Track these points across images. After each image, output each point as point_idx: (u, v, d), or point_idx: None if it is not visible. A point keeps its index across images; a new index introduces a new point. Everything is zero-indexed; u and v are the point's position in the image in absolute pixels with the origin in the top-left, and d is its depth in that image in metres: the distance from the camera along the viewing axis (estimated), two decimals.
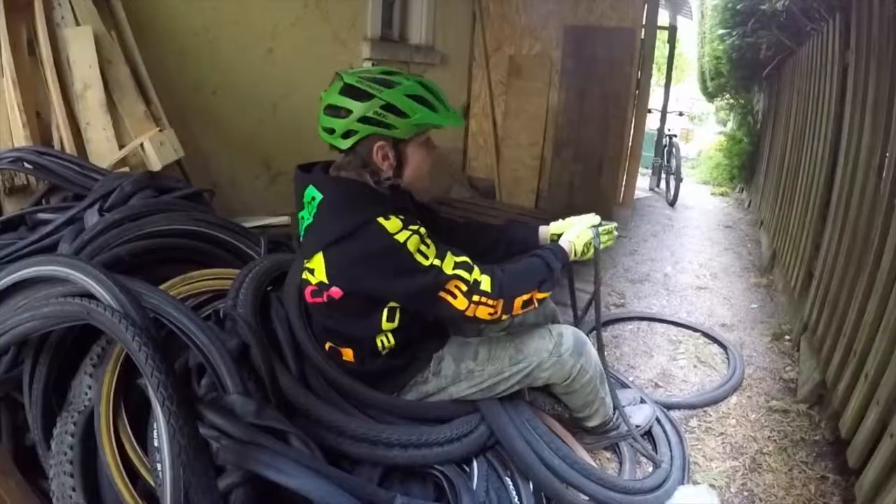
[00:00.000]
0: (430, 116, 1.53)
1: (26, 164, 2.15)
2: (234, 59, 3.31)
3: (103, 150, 2.35)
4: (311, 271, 1.59)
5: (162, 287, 1.67)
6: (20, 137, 2.24)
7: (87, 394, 1.36)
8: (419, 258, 1.49)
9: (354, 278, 1.53)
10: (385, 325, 1.61)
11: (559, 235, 1.91)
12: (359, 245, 1.48)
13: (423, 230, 1.53)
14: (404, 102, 1.49)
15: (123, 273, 1.57)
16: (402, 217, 1.51)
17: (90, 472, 1.26)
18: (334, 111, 1.52)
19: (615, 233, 1.99)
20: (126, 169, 2.37)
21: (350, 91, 1.49)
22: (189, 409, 1.23)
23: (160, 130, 2.49)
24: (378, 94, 1.48)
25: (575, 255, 1.84)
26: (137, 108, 2.48)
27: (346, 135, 1.51)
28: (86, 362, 1.41)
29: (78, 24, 2.36)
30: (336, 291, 1.56)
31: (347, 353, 1.70)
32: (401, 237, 1.47)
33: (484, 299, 1.55)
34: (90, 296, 1.36)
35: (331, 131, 1.53)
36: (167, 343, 1.44)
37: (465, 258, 1.58)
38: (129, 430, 1.30)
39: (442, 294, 1.53)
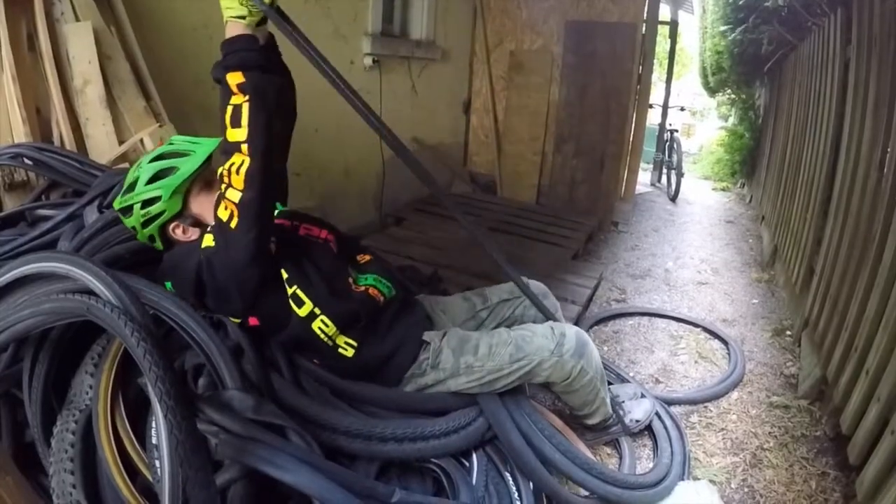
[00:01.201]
0: (174, 181, 1.57)
1: (26, 160, 2.14)
2: None
3: (103, 145, 2.34)
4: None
5: None
6: (20, 133, 2.23)
7: (87, 393, 1.36)
8: (212, 243, 1.49)
9: (232, 306, 1.57)
10: (300, 311, 1.58)
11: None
12: (209, 287, 1.53)
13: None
14: (148, 191, 1.56)
15: (123, 270, 1.57)
16: None
17: (90, 469, 1.27)
18: (134, 231, 1.64)
19: None
20: (126, 165, 2.35)
21: (122, 213, 1.62)
22: (187, 404, 1.22)
23: (160, 126, 2.47)
24: (130, 201, 1.57)
25: (238, 24, 1.41)
26: (137, 103, 2.47)
27: (151, 240, 1.64)
28: (86, 361, 1.41)
29: (77, 19, 2.35)
30: (251, 320, 1.60)
31: (317, 363, 1.72)
32: (201, 253, 1.52)
33: (224, 178, 1.41)
34: (90, 292, 1.35)
35: (147, 245, 1.67)
36: (166, 342, 1.44)
37: None
38: (128, 426, 1.30)
39: (231, 226, 1.42)
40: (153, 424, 1.23)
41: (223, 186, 1.42)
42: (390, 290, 1.80)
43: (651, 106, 7.06)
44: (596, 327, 3.17)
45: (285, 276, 1.58)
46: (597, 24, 5.00)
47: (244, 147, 1.37)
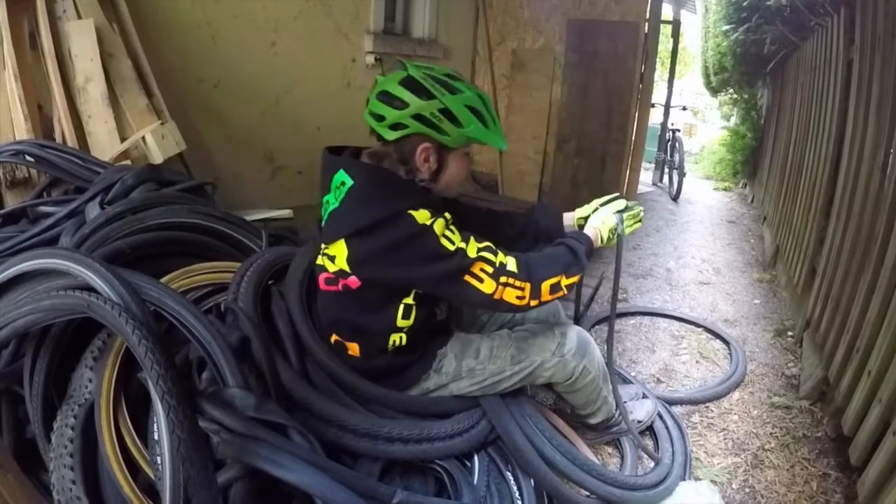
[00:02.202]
0: (481, 132, 1.52)
1: (28, 157, 2.15)
2: (237, 52, 3.30)
3: (105, 143, 2.35)
4: (332, 258, 1.56)
5: (163, 280, 1.67)
6: (22, 130, 2.24)
7: (87, 387, 1.36)
8: (444, 242, 1.46)
9: (378, 268, 1.51)
10: (400, 321, 1.60)
11: (585, 219, 1.89)
12: (387, 235, 1.45)
13: (448, 215, 1.52)
14: (462, 112, 1.47)
15: (125, 266, 1.57)
16: (430, 210, 1.49)
17: (90, 465, 1.26)
18: (389, 99, 1.48)
19: (641, 215, 1.94)
20: (128, 162, 2.36)
21: (411, 84, 1.47)
22: (189, 402, 1.22)
23: (162, 123, 2.48)
24: (440, 95, 1.45)
25: (601, 242, 1.79)
26: (139, 101, 2.48)
27: (395, 127, 1.48)
28: (86, 355, 1.40)
29: (79, 17, 2.35)
30: (354, 281, 1.54)
31: (353, 348, 1.68)
32: (427, 221, 1.45)
33: (511, 280, 1.52)
34: (91, 289, 1.35)
35: (380, 118, 1.50)
36: (168, 337, 1.44)
37: (487, 243, 1.56)
38: (129, 423, 1.30)
39: (468, 278, 1.50)
40: (155, 421, 1.22)
41: (502, 277, 1.52)
42: (445, 312, 1.83)
43: (653, 105, 7.03)
44: (597, 327, 3.16)
45: (417, 290, 1.59)
46: (599, 22, 4.98)
47: (534, 301, 1.58)
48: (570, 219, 1.95)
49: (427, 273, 1.48)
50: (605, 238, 1.79)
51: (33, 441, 1.39)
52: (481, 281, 1.50)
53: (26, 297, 1.41)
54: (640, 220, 1.92)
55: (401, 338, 1.64)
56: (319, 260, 1.64)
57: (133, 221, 1.85)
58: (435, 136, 1.48)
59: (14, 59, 2.21)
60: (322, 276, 1.62)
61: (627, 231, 1.84)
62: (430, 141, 1.50)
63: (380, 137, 1.54)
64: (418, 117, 1.45)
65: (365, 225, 1.47)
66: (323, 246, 1.62)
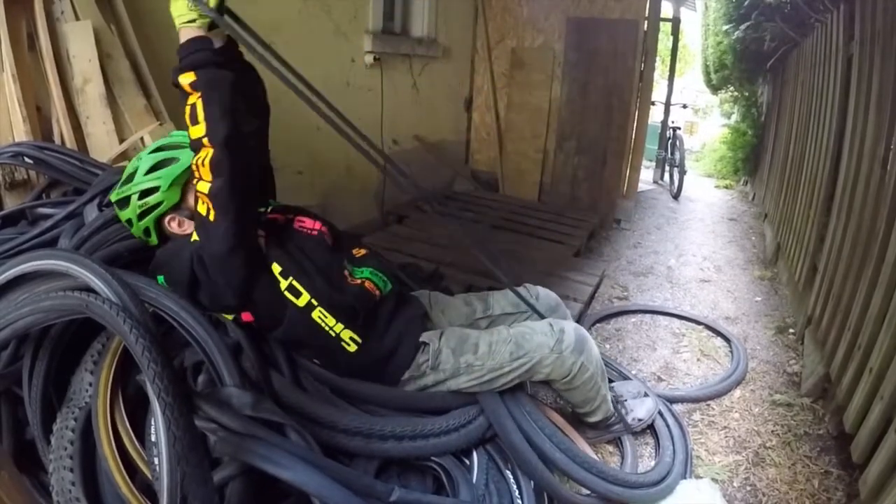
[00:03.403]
0: (174, 171, 1.59)
1: (26, 159, 2.14)
2: None
3: (104, 144, 2.34)
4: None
5: None
6: (20, 132, 2.23)
7: (87, 390, 1.36)
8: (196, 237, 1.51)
9: (224, 300, 1.55)
10: (298, 301, 1.58)
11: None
12: (202, 282, 1.51)
13: None
14: (147, 181, 1.57)
15: (123, 268, 1.58)
16: None
17: (90, 466, 1.27)
18: (127, 225, 1.64)
19: None
20: (126, 163, 2.36)
21: (118, 205, 1.62)
22: (185, 401, 1.22)
23: (160, 124, 2.47)
24: (128, 192, 1.57)
25: (189, 29, 1.43)
26: (138, 102, 2.47)
27: (146, 234, 1.64)
28: (86, 358, 1.41)
29: (77, 18, 2.35)
30: (245, 316, 1.60)
31: (317, 360, 1.72)
32: (192, 242, 1.51)
33: (195, 173, 1.46)
34: (90, 289, 1.35)
35: (141, 239, 1.67)
36: (165, 339, 1.44)
37: None
38: (127, 424, 1.30)
39: (209, 219, 1.45)
40: (152, 422, 1.22)
41: (195, 181, 1.47)
42: (386, 285, 1.80)
43: (653, 103, 7.03)
44: (598, 325, 3.16)
45: (278, 269, 1.58)
46: (598, 20, 4.98)
47: (205, 140, 1.41)
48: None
49: (215, 262, 1.48)
50: (192, 21, 1.41)
51: (33, 442, 1.40)
52: (206, 207, 1.45)
53: (26, 299, 1.41)
54: None
55: (321, 312, 1.60)
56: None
57: None
58: (160, 210, 1.60)
59: (12, 61, 2.20)
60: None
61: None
62: (165, 214, 1.61)
63: (156, 247, 1.67)
64: (139, 217, 1.59)
65: (188, 291, 1.54)
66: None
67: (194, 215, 1.50)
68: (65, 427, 1.30)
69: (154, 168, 1.58)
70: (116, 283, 1.35)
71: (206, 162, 1.41)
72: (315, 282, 1.61)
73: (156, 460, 1.17)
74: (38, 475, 1.40)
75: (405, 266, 2.81)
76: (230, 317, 1.61)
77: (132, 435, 1.30)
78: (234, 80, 1.45)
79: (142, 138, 2.38)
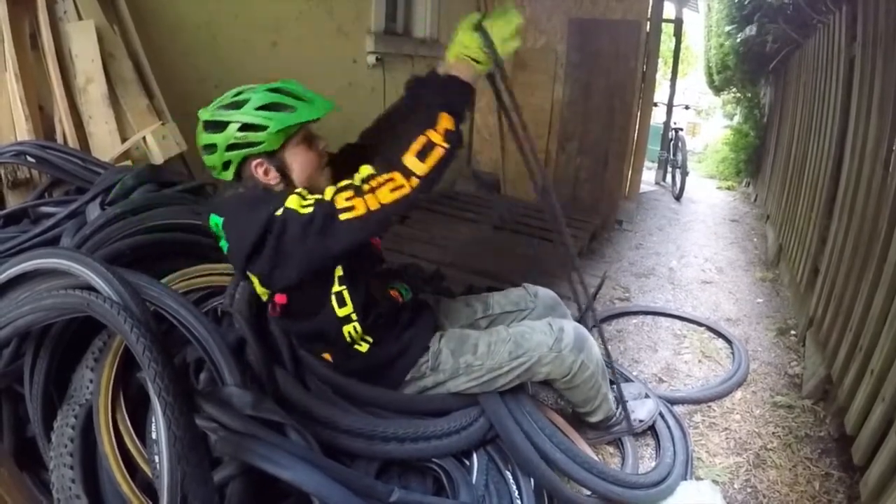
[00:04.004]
0: (288, 119, 1.49)
1: (29, 158, 2.15)
2: (238, 52, 3.30)
3: (106, 143, 2.35)
4: (255, 290, 1.61)
5: (163, 281, 1.67)
6: (23, 131, 2.24)
7: (88, 388, 1.37)
8: (305, 210, 1.42)
9: (279, 276, 1.50)
10: (339, 312, 1.58)
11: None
12: (268, 246, 1.45)
13: (300, 189, 1.50)
14: (258, 116, 1.48)
15: (125, 267, 1.58)
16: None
17: (90, 464, 1.27)
18: (207, 150, 1.53)
19: (515, 18, 1.53)
20: (128, 163, 2.36)
21: (210, 126, 1.51)
22: (186, 400, 1.23)
23: (163, 124, 2.48)
24: (231, 118, 1.48)
25: (473, 70, 1.52)
26: (140, 101, 2.48)
27: (225, 166, 1.53)
28: (87, 356, 1.41)
29: (80, 17, 2.36)
30: (280, 297, 1.57)
31: (326, 356, 1.71)
32: (283, 209, 1.43)
33: (373, 183, 1.41)
34: (91, 288, 1.36)
35: (213, 168, 1.55)
36: (167, 338, 1.44)
37: (345, 180, 1.49)
38: (128, 422, 1.31)
39: (341, 216, 1.41)
40: (153, 419, 1.23)
41: (365, 187, 1.41)
42: (407, 293, 1.82)
43: (655, 104, 7.03)
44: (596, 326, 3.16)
45: (339, 273, 1.57)
46: (601, 21, 4.98)
47: (414, 180, 1.41)
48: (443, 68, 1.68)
49: (310, 246, 1.44)
50: (475, 59, 1.51)
51: (33, 440, 1.40)
52: (352, 209, 1.41)
53: (27, 297, 1.42)
54: (515, 22, 1.53)
55: (354, 328, 1.60)
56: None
57: (133, 222, 1.85)
58: (254, 150, 1.50)
59: (15, 60, 2.21)
60: (269, 307, 1.66)
61: (499, 38, 1.51)
62: (256, 156, 1.52)
63: (229, 182, 1.59)
64: (230, 147, 1.48)
65: (247, 253, 1.47)
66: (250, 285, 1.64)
67: (329, 201, 1.41)
68: (65, 424, 1.30)
69: (267, 107, 1.48)
70: (118, 281, 1.36)
71: (397, 194, 1.40)
72: (361, 298, 1.62)
73: (156, 459, 1.17)
74: (38, 473, 1.40)
75: (406, 266, 2.81)
76: (265, 293, 1.57)
77: (133, 433, 1.30)
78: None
79: (144, 138, 2.39)
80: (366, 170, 1.45)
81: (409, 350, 1.74)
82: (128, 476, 1.24)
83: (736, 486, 2.06)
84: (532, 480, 1.71)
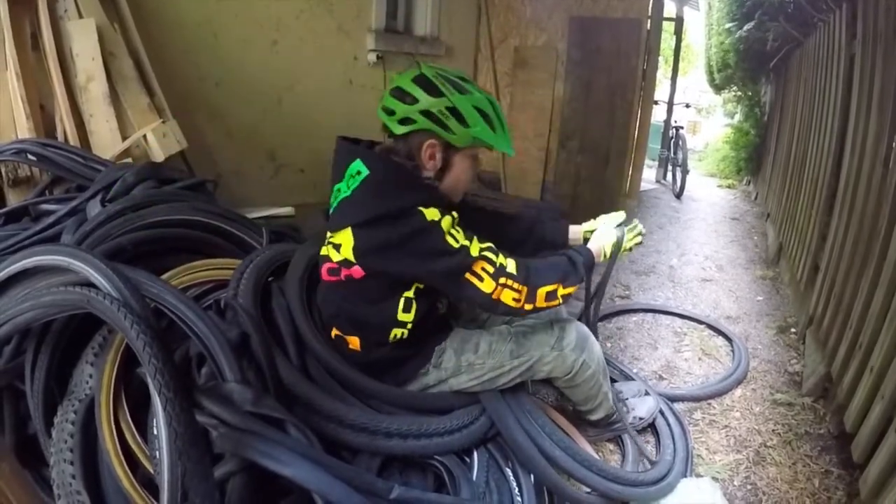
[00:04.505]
0: (488, 134, 1.55)
1: (30, 156, 2.16)
2: (238, 50, 3.31)
3: (106, 141, 2.36)
4: (337, 247, 1.59)
5: (164, 277, 1.67)
6: (24, 129, 2.25)
7: (87, 382, 1.37)
8: (450, 240, 1.49)
9: (383, 260, 1.53)
10: (401, 315, 1.61)
11: (591, 232, 1.94)
12: (396, 229, 1.48)
13: (454, 214, 1.55)
14: (470, 112, 1.51)
15: (126, 263, 1.58)
16: (439, 208, 1.52)
17: (90, 459, 1.27)
18: (401, 95, 1.52)
19: (641, 230, 1.97)
20: (129, 160, 2.37)
21: (423, 82, 1.51)
22: (187, 396, 1.23)
23: (163, 122, 2.49)
24: (449, 94, 1.49)
25: (604, 257, 1.85)
26: (140, 99, 2.48)
27: (404, 121, 1.52)
28: (87, 351, 1.41)
29: (81, 16, 2.36)
30: (357, 271, 1.56)
31: (354, 342, 1.70)
32: (436, 218, 1.48)
33: (510, 282, 1.55)
34: (91, 285, 1.36)
35: (390, 112, 1.54)
36: (168, 333, 1.44)
37: (490, 244, 1.59)
38: (129, 418, 1.31)
39: (469, 276, 1.53)
40: (153, 415, 1.23)
41: (501, 278, 1.55)
42: (444, 306, 1.84)
43: (656, 102, 7.03)
44: (599, 323, 3.15)
45: (419, 284, 1.61)
46: (601, 19, 4.98)
47: (528, 306, 1.62)
48: (575, 231, 2.00)
49: (430, 268, 1.51)
50: (607, 253, 1.85)
51: (34, 437, 1.40)
52: (481, 280, 1.53)
53: (28, 294, 1.42)
54: (640, 235, 1.96)
55: (402, 333, 1.65)
56: (324, 250, 1.66)
57: (134, 219, 1.86)
58: (442, 133, 1.52)
59: (16, 59, 2.22)
60: (325, 267, 1.65)
61: (628, 245, 1.90)
62: (437, 138, 1.53)
63: (391, 133, 1.57)
64: (426, 113, 1.49)
65: (375, 215, 1.49)
66: (329, 234, 1.64)
67: (472, 258, 1.53)
68: (65, 420, 1.30)
69: (480, 111, 1.54)
70: (118, 278, 1.36)
71: (512, 303, 1.59)
72: (423, 311, 1.65)
73: (157, 455, 1.17)
74: (40, 470, 1.40)
75: None
76: (344, 257, 1.57)
77: (134, 429, 1.31)
78: None
79: (144, 136, 2.39)
80: (511, 267, 1.58)
81: (422, 351, 1.76)
82: (129, 472, 1.24)
83: (736, 483, 2.06)
84: (532, 478, 1.72)
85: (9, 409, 1.47)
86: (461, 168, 1.62)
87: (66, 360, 1.44)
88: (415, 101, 1.49)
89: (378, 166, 1.54)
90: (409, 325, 1.64)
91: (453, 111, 1.49)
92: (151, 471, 1.24)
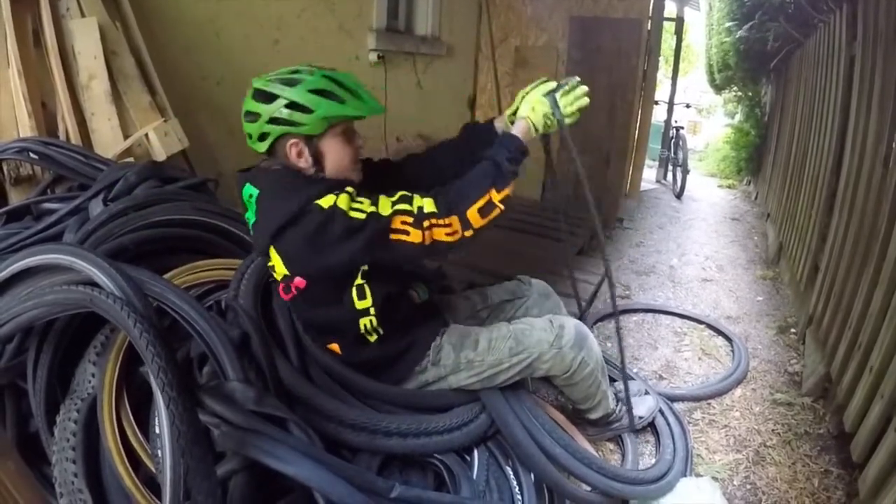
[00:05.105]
0: (335, 108, 1.53)
1: (32, 154, 2.15)
2: (240, 49, 3.31)
3: (108, 140, 2.36)
4: (273, 268, 1.61)
5: (166, 277, 1.67)
6: (26, 127, 2.25)
7: (90, 381, 1.37)
8: (355, 214, 1.46)
9: (308, 262, 1.53)
10: (358, 304, 1.60)
11: (515, 114, 1.80)
12: (303, 230, 1.47)
13: (350, 189, 1.51)
14: (307, 98, 1.50)
15: (128, 263, 1.58)
16: (332, 192, 1.49)
17: (92, 458, 1.27)
18: (249, 117, 1.56)
19: (580, 90, 1.76)
20: (131, 159, 2.37)
21: (259, 95, 1.54)
22: (189, 395, 1.23)
23: (165, 121, 2.49)
24: (281, 93, 1.50)
25: (536, 131, 1.73)
26: (142, 98, 2.48)
27: (262, 138, 1.55)
28: (89, 350, 1.42)
29: (83, 15, 2.36)
30: (300, 281, 1.57)
31: (335, 347, 1.72)
32: (331, 203, 1.46)
33: (434, 221, 1.49)
34: (93, 284, 1.36)
35: (249, 136, 1.58)
36: (170, 333, 1.45)
37: (400, 193, 1.54)
38: (131, 417, 1.31)
39: (393, 236, 1.49)
40: (156, 414, 1.23)
41: (424, 221, 1.48)
42: (424, 294, 1.84)
43: (657, 102, 7.03)
44: (600, 323, 3.17)
45: (364, 267, 1.59)
46: (602, 19, 4.97)
47: (470, 231, 1.53)
48: (502, 122, 1.92)
49: (352, 249, 1.48)
50: (539, 125, 1.71)
51: (36, 435, 1.41)
52: (407, 234, 1.49)
53: (30, 293, 1.42)
54: (581, 98, 1.77)
55: (370, 321, 1.63)
56: (273, 274, 1.66)
57: (136, 218, 1.86)
58: (295, 130, 1.52)
59: (18, 57, 2.21)
60: (279, 288, 1.66)
61: (568, 111, 1.74)
62: (295, 136, 1.54)
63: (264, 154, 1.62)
64: (272, 120, 1.51)
65: (279, 226, 1.49)
66: (265, 259, 1.64)
67: (387, 214, 1.48)
68: (67, 418, 1.31)
69: (319, 91, 1.52)
70: (120, 277, 1.36)
71: (451, 238, 1.52)
72: (383, 292, 1.63)
73: (159, 453, 1.18)
74: (41, 468, 1.40)
75: None
76: (283, 274, 1.58)
77: (136, 428, 1.31)
78: None
79: (146, 134, 2.40)
80: (429, 205, 1.50)
81: (414, 347, 1.75)
82: (131, 470, 1.25)
83: (735, 482, 2.07)
84: (532, 476, 1.72)
85: (11, 407, 1.47)
86: (335, 150, 1.59)
87: (68, 358, 1.44)
88: (258, 115, 1.52)
89: (263, 182, 1.57)
90: (373, 311, 1.62)
91: (292, 105, 1.50)
92: (153, 469, 1.25)
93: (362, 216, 1.46)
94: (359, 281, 1.59)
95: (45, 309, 1.34)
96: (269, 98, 1.51)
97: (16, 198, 2.22)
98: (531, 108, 1.70)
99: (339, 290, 1.60)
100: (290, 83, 1.52)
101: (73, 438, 1.27)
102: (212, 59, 3.13)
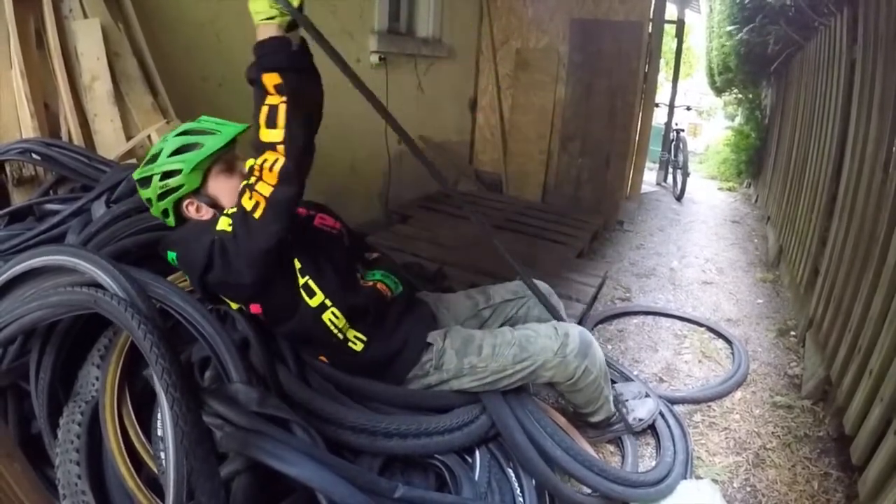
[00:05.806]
0: (197, 156, 1.59)
1: (34, 156, 2.15)
2: (242, 50, 3.27)
3: (111, 141, 2.36)
4: (229, 307, 1.65)
5: (168, 279, 1.68)
6: (28, 129, 2.25)
7: (94, 384, 1.38)
8: (228, 228, 1.47)
9: (239, 289, 1.55)
10: (311, 302, 1.58)
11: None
12: (216, 269, 1.49)
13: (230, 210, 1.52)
14: (171, 163, 1.58)
15: (131, 264, 1.59)
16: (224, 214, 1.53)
17: (96, 460, 1.28)
18: (147, 204, 1.67)
19: None
20: (133, 160, 2.37)
21: (140, 184, 1.64)
22: (193, 396, 1.24)
23: (167, 122, 2.49)
24: (151, 172, 1.59)
25: (269, 26, 1.42)
26: (145, 99, 2.49)
27: (164, 214, 1.65)
28: (93, 353, 1.42)
29: (86, 16, 2.37)
30: (254, 307, 1.59)
31: (323, 358, 1.72)
32: (221, 227, 1.49)
33: (256, 172, 1.42)
34: (97, 285, 1.37)
35: (158, 217, 1.69)
36: (173, 335, 1.45)
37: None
38: (133, 419, 1.32)
39: (254, 215, 1.42)
40: (159, 416, 1.24)
41: (253, 179, 1.43)
42: (397, 286, 1.82)
43: (657, 105, 7.04)
44: (600, 326, 3.17)
45: (298, 265, 1.59)
46: (603, 22, 4.99)
47: (280, 147, 1.40)
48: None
49: (246, 252, 1.45)
50: (262, 17, 1.42)
51: (38, 436, 1.41)
52: (257, 204, 1.42)
53: (33, 294, 1.43)
54: None
55: (333, 314, 1.60)
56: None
57: (138, 220, 1.86)
58: (179, 194, 1.61)
59: (21, 58, 2.22)
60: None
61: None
62: (184, 198, 1.62)
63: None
64: (159, 197, 1.61)
65: (199, 276, 1.52)
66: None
67: (237, 207, 1.46)
68: (71, 421, 1.31)
69: (178, 151, 1.59)
70: (124, 278, 1.37)
71: (276, 169, 1.40)
72: (331, 283, 1.61)
73: (163, 455, 1.18)
74: (43, 469, 1.41)
75: (409, 266, 2.83)
76: (235, 306, 1.63)
77: (139, 429, 1.31)
78: (314, 88, 1.52)
79: (149, 136, 2.40)
80: (249, 162, 1.46)
81: (405, 347, 1.74)
82: (133, 472, 1.25)
83: (735, 485, 2.07)
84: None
85: (13, 409, 1.48)
86: (223, 187, 1.64)
87: (72, 360, 1.45)
88: (150, 200, 1.63)
89: (175, 242, 1.62)
90: (329, 303, 1.60)
91: (166, 175, 1.58)
92: (155, 470, 1.25)
93: (232, 221, 1.48)
94: (302, 280, 1.59)
95: (48, 310, 1.35)
96: (146, 182, 1.61)
97: (18, 199, 2.22)
98: (255, 13, 1.43)
99: (290, 300, 1.59)
100: (153, 160, 1.60)
101: (77, 440, 1.27)
102: (213, 60, 3.14)
